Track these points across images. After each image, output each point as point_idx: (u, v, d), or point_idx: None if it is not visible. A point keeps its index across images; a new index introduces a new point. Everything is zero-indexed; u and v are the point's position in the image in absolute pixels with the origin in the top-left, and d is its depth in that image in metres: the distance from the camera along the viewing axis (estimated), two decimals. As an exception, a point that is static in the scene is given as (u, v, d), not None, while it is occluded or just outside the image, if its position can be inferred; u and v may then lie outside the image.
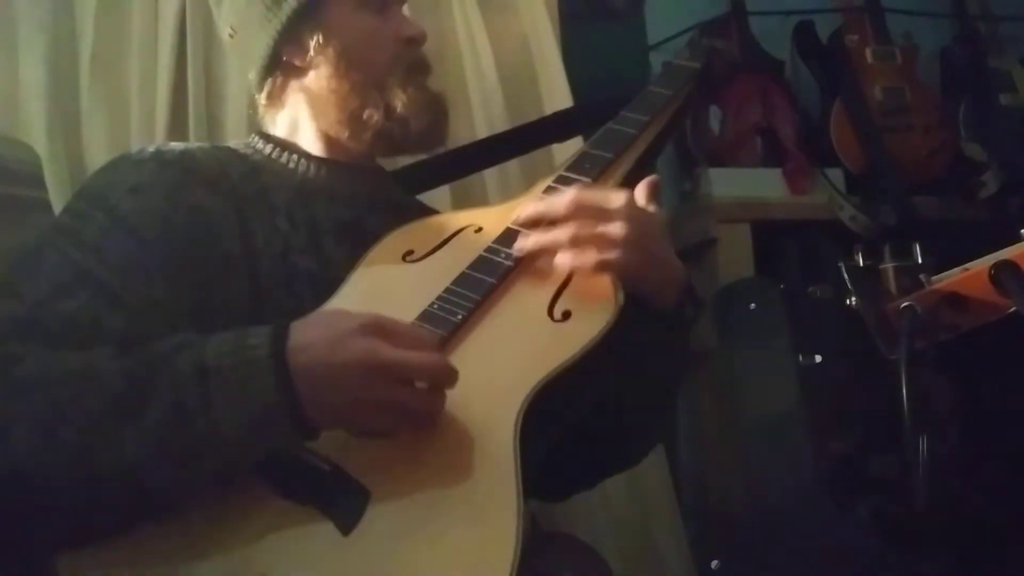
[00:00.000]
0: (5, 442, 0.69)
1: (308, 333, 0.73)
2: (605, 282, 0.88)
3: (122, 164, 0.94)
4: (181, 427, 0.70)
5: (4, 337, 0.76)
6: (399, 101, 1.00)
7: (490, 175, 1.50)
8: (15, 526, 0.70)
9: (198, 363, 0.71)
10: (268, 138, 1.05)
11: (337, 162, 1.03)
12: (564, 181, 1.00)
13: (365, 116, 1.00)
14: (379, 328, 0.74)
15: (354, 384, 0.72)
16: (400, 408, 0.74)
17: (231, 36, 1.05)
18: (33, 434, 0.70)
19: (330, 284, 0.91)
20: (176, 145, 0.97)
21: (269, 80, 1.03)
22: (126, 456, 0.69)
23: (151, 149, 0.95)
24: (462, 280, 0.89)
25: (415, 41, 1.04)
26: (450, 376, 0.75)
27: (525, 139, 1.35)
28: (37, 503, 0.70)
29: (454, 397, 0.78)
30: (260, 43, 1.01)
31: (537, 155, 1.42)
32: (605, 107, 1.12)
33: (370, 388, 0.72)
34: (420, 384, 0.75)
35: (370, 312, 0.76)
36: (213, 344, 0.73)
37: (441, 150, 1.09)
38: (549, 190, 0.99)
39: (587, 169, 1.01)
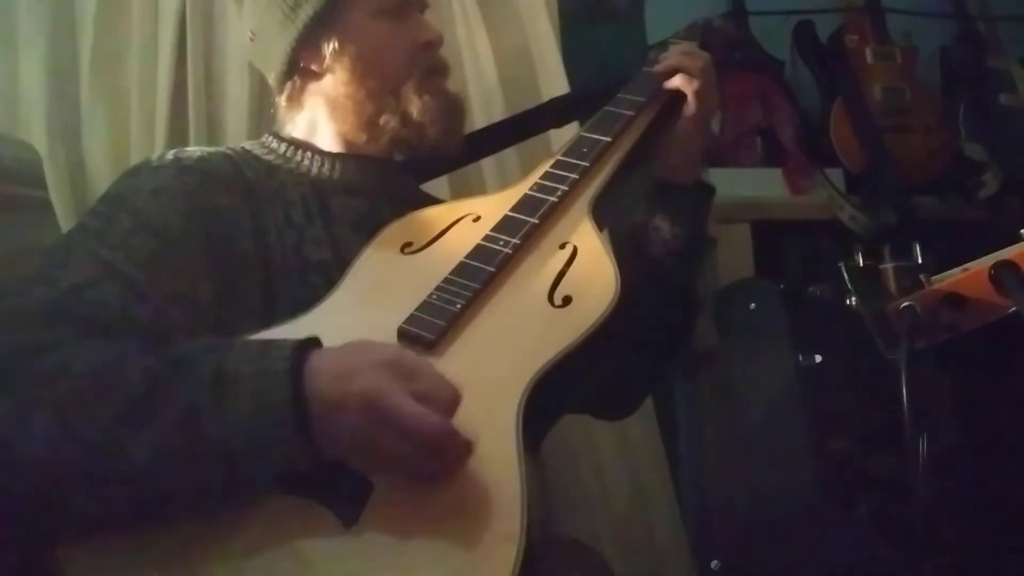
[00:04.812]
0: (26, 429, 0.70)
1: (331, 356, 0.73)
2: (606, 268, 0.88)
3: (143, 169, 0.97)
4: (191, 430, 0.70)
5: (36, 321, 0.77)
6: (415, 108, 1.02)
7: (488, 164, 1.50)
8: (25, 512, 0.70)
9: (218, 368, 0.72)
10: (282, 138, 1.06)
11: (351, 156, 1.05)
12: (562, 166, 1.00)
13: (382, 122, 1.02)
14: (399, 367, 0.72)
15: (355, 420, 0.71)
16: (397, 461, 0.72)
17: (251, 39, 1.08)
18: (53, 425, 0.70)
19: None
20: (192, 151, 0.99)
21: (288, 84, 1.06)
22: (139, 456, 0.69)
23: (170, 156, 0.97)
24: (460, 269, 0.89)
25: (432, 45, 1.05)
26: (450, 444, 0.71)
27: (522, 127, 1.35)
28: (49, 492, 0.70)
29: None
30: (278, 48, 1.03)
31: (534, 142, 1.42)
32: (601, 91, 1.12)
33: (369, 430, 0.71)
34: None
35: (400, 350, 0.75)
36: (237, 351, 0.74)
37: (454, 154, 1.09)
38: (547, 176, 0.99)
39: (585, 153, 1.01)
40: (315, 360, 0.73)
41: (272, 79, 1.07)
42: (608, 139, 1.02)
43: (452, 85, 1.09)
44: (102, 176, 1.41)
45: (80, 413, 0.70)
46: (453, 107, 1.06)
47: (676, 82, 1.07)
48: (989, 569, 1.27)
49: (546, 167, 1.01)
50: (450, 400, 0.73)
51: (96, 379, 0.72)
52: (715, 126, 1.76)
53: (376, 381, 0.71)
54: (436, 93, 1.04)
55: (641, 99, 1.07)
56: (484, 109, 1.54)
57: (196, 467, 0.70)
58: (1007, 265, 0.87)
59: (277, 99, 1.08)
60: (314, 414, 0.71)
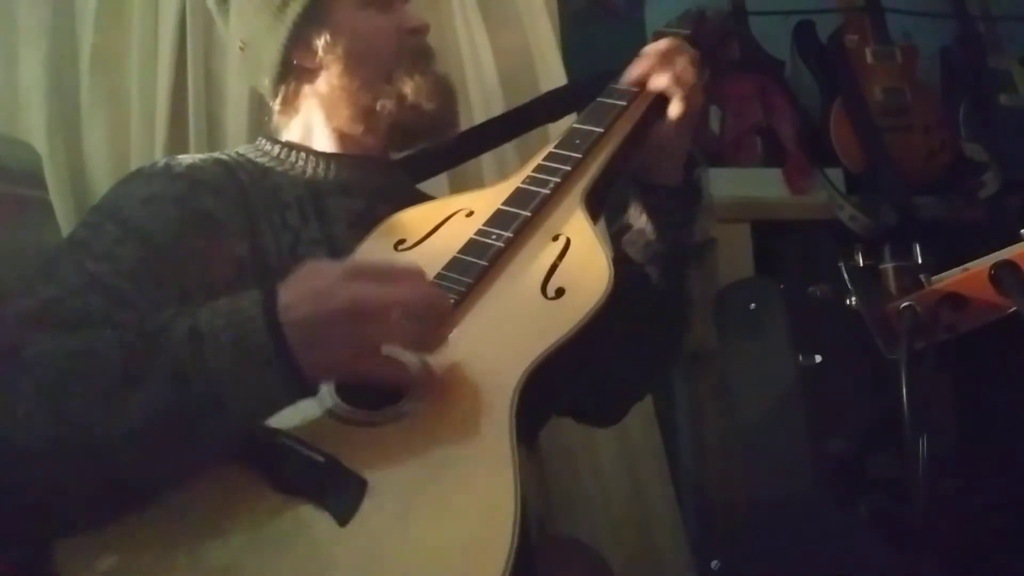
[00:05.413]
0: (11, 419, 0.70)
1: (295, 290, 0.74)
2: (599, 259, 0.88)
3: (134, 179, 0.97)
4: (180, 393, 0.70)
5: (18, 326, 0.78)
6: (408, 88, 1.03)
7: (487, 160, 1.49)
8: (20, 504, 0.70)
9: (193, 329, 0.72)
10: (276, 141, 1.07)
11: (346, 156, 1.05)
12: (554, 158, 1.00)
13: (379, 107, 1.03)
14: (360, 272, 0.75)
15: (344, 331, 0.73)
16: (398, 339, 0.75)
17: (242, 49, 1.07)
18: (38, 410, 0.70)
19: None
20: (184, 158, 0.99)
21: (283, 87, 1.06)
22: (129, 426, 0.69)
23: (161, 164, 0.97)
24: (453, 264, 0.89)
25: (418, 31, 1.07)
26: (434, 299, 0.77)
27: (519, 121, 1.35)
28: (43, 481, 0.70)
29: (449, 382, 0.78)
30: (270, 51, 1.03)
31: (533, 137, 1.42)
32: (597, 83, 1.11)
33: (360, 332, 0.73)
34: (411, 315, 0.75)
35: (353, 260, 0.78)
36: (206, 310, 0.74)
37: (453, 133, 1.09)
38: (539, 168, 0.99)
39: (577, 144, 1.00)
40: (283, 297, 0.73)
41: (266, 85, 1.07)
42: (600, 130, 1.02)
43: (439, 67, 1.09)
44: (102, 176, 1.41)
45: (65, 394, 0.70)
46: (444, 86, 1.07)
47: (657, 84, 1.05)
48: (989, 569, 1.27)
49: (539, 160, 1.01)
50: (418, 272, 0.78)
51: (76, 360, 0.73)
52: (715, 126, 1.76)
53: (350, 289, 0.73)
54: (427, 73, 1.05)
55: (634, 89, 1.06)
56: (484, 108, 1.54)
57: (190, 424, 0.71)
58: (1007, 265, 0.87)
59: (271, 104, 1.08)
60: (297, 342, 0.71)
